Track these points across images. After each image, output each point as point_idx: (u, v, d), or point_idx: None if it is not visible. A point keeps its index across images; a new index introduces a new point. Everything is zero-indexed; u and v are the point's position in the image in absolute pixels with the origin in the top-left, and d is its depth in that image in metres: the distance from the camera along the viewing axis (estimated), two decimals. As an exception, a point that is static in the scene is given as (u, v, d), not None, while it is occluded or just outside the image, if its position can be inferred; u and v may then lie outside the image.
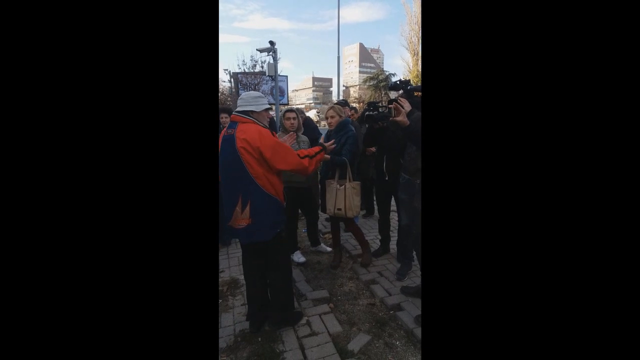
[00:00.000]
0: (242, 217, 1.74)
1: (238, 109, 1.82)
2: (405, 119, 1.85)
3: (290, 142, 2.05)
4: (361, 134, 3.12)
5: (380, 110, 2.50)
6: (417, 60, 20.50)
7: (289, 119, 2.70)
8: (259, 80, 11.77)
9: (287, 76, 13.08)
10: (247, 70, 12.56)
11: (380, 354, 1.81)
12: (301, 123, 2.77)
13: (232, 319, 2.11)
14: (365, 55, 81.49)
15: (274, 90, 9.64)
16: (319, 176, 3.00)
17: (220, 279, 2.64)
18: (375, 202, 3.67)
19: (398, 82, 2.18)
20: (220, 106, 3.70)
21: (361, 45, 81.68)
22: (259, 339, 1.90)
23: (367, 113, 2.49)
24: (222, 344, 1.88)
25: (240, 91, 12.33)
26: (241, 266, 2.70)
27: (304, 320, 2.06)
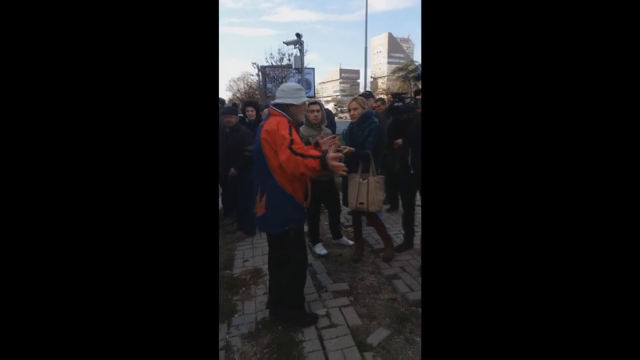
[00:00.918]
0: (259, 206, 1.80)
1: (276, 100, 1.83)
2: None
3: (328, 144, 1.81)
4: (385, 126, 3.05)
5: (406, 102, 2.43)
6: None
7: (312, 111, 2.69)
8: (286, 73, 11.85)
9: (313, 68, 13.06)
10: (274, 64, 12.67)
11: (400, 349, 1.79)
12: (324, 115, 2.75)
13: (254, 307, 2.18)
14: (395, 46, 79.25)
15: (301, 83, 9.67)
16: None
17: (244, 268, 2.72)
18: (399, 196, 3.59)
19: None
20: (247, 99, 3.76)
21: (390, 35, 79.51)
22: (279, 327, 1.94)
23: (393, 104, 2.43)
24: (243, 330, 1.95)
25: (267, 84, 12.49)
26: (264, 256, 2.77)
27: (322, 311, 2.08)
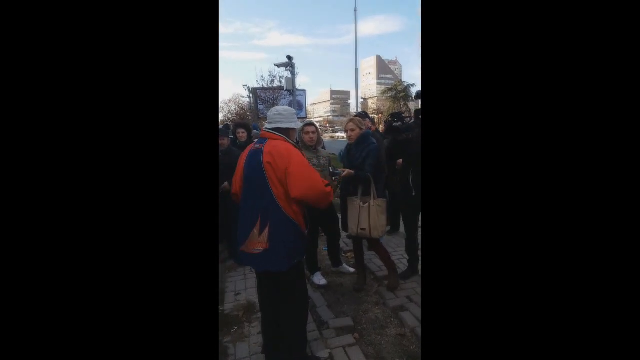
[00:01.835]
0: (258, 241, 1.56)
1: (272, 125, 1.68)
2: None
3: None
4: (383, 147, 2.94)
5: (405, 121, 2.33)
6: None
7: (308, 132, 2.58)
8: (277, 94, 11.89)
9: (305, 90, 13.15)
10: (265, 86, 12.74)
11: (415, 398, 1.58)
12: (320, 137, 2.63)
13: (248, 350, 1.94)
14: (383, 67, 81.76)
15: (293, 104, 9.68)
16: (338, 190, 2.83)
17: (236, 303, 2.49)
18: (401, 218, 3.44)
19: None
20: (238, 121, 3.65)
21: (378, 58, 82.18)
22: (277, 376, 1.72)
23: (392, 124, 2.32)
24: (236, 380, 1.71)
25: (259, 106, 12.51)
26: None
27: (325, 354, 1.86)
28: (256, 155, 1.60)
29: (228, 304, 2.48)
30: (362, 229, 2.38)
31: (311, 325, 2.12)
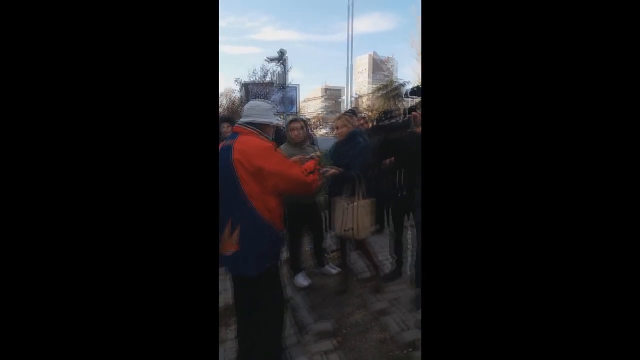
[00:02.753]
0: (230, 242, 1.47)
1: (245, 119, 1.59)
2: None
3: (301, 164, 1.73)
4: (371, 145, 2.87)
5: (396, 120, 2.26)
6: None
7: (294, 129, 2.49)
8: (268, 89, 11.72)
9: (297, 85, 12.96)
10: (257, 81, 12.53)
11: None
12: (307, 133, 2.55)
13: (223, 355, 1.85)
14: (377, 65, 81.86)
15: (283, 99, 9.53)
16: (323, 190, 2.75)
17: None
18: (388, 218, 3.38)
19: (416, 88, 1.94)
20: (222, 115, 3.52)
21: (373, 55, 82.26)
22: (252, 383, 1.63)
23: (380, 123, 2.25)
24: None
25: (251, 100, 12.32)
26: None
27: (304, 360, 1.79)
28: (226, 152, 1.49)
29: (206, 305, 2.39)
30: (347, 229, 2.31)
31: (290, 329, 2.05)
